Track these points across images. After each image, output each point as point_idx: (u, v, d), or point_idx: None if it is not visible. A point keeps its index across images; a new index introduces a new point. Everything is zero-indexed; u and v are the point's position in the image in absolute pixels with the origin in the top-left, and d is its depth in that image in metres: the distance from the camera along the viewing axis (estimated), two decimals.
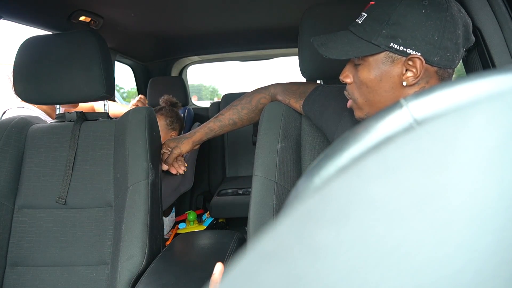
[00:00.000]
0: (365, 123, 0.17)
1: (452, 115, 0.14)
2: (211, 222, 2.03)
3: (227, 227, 2.18)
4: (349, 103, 0.77)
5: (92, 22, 1.58)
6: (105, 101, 1.28)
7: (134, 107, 1.65)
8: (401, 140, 0.15)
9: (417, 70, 0.64)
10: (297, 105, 0.99)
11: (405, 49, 0.63)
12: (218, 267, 0.60)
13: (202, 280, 0.88)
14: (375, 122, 0.17)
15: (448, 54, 0.63)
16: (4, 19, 1.28)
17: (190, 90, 2.95)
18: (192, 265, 1.01)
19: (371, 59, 0.68)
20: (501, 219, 0.13)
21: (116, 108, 1.87)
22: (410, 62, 0.64)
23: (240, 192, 2.09)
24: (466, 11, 0.68)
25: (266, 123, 0.99)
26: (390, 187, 0.14)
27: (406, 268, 0.13)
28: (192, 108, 2.53)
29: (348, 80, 0.74)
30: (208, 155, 2.42)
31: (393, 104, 0.17)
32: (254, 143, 1.04)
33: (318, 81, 1.11)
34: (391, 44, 0.64)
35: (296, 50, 1.06)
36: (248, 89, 1.14)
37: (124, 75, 2.72)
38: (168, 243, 1.25)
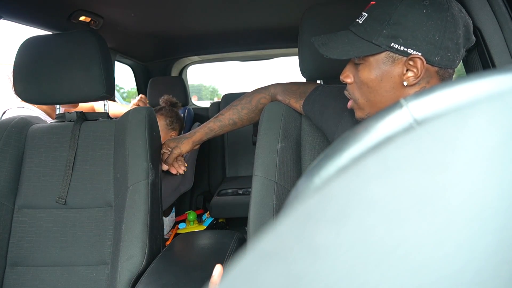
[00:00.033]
0: (365, 123, 0.17)
1: (452, 115, 0.14)
2: (211, 222, 2.03)
3: (227, 227, 2.18)
4: (349, 104, 0.77)
5: (92, 22, 1.58)
6: (105, 101, 1.28)
7: (135, 106, 1.65)
8: (401, 140, 0.15)
9: (417, 70, 0.64)
10: (297, 105, 0.99)
11: (406, 49, 0.63)
12: (217, 268, 0.60)
13: (202, 280, 0.88)
14: (375, 122, 0.17)
15: (449, 54, 0.63)
16: (4, 19, 1.28)
17: (190, 90, 2.95)
18: (192, 265, 1.00)
19: (371, 59, 0.68)
20: (501, 219, 0.13)
21: (116, 108, 1.87)
22: (411, 62, 0.64)
23: (240, 192, 2.09)
24: (466, 11, 0.68)
25: (266, 123, 0.99)
26: (390, 187, 0.14)
27: (406, 268, 0.13)
28: (192, 108, 2.54)
29: (348, 80, 0.74)
30: (208, 155, 2.42)
31: (393, 104, 0.17)
32: (254, 143, 1.04)
33: (318, 81, 1.11)
34: (392, 44, 0.64)
35: (296, 50, 1.06)
36: (248, 89, 1.14)
37: (124, 75, 2.72)
38: (168, 243, 1.25)
